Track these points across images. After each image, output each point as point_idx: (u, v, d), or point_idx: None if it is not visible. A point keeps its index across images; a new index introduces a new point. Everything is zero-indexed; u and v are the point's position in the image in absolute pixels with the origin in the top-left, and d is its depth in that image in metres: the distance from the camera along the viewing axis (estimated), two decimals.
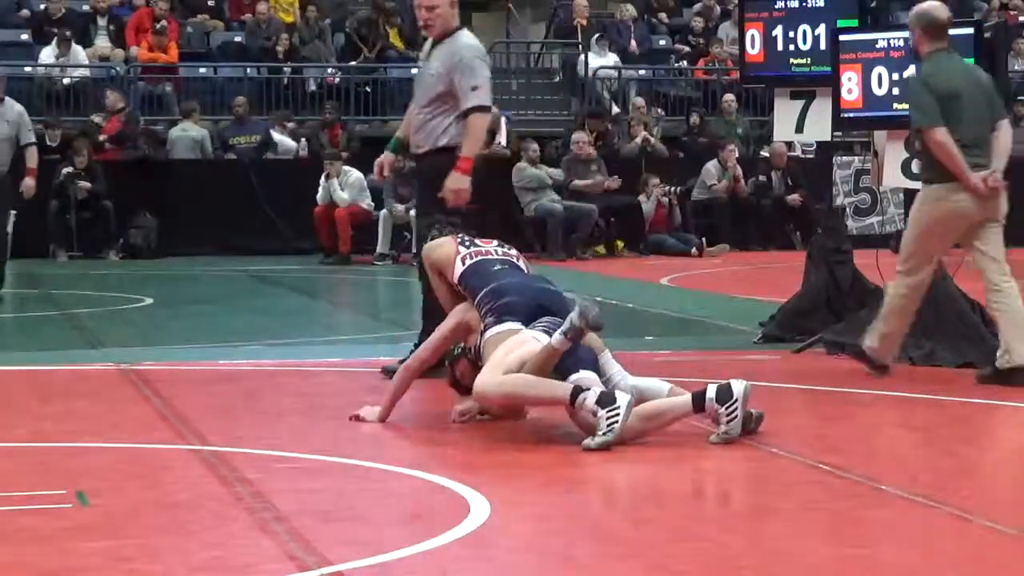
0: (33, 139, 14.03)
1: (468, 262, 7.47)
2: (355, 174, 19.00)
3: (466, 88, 8.71)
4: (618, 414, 6.56)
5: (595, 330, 6.88)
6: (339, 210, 18.74)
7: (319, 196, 18.92)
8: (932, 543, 5.25)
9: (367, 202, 19.19)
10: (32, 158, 13.87)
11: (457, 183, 8.62)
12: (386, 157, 9.24)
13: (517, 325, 7.01)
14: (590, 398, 6.64)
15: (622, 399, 6.61)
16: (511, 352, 6.87)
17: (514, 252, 7.67)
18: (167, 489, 6.01)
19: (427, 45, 9.11)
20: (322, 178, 18.96)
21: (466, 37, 8.94)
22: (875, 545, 5.11)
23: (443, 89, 8.76)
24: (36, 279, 15.82)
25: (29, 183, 13.80)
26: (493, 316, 7.11)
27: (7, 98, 13.82)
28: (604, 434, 6.55)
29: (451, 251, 7.56)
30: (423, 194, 9.06)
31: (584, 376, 6.83)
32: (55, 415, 7.74)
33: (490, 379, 6.82)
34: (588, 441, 6.59)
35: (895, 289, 8.86)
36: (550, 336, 6.85)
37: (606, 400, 6.62)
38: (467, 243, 7.60)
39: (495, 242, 7.71)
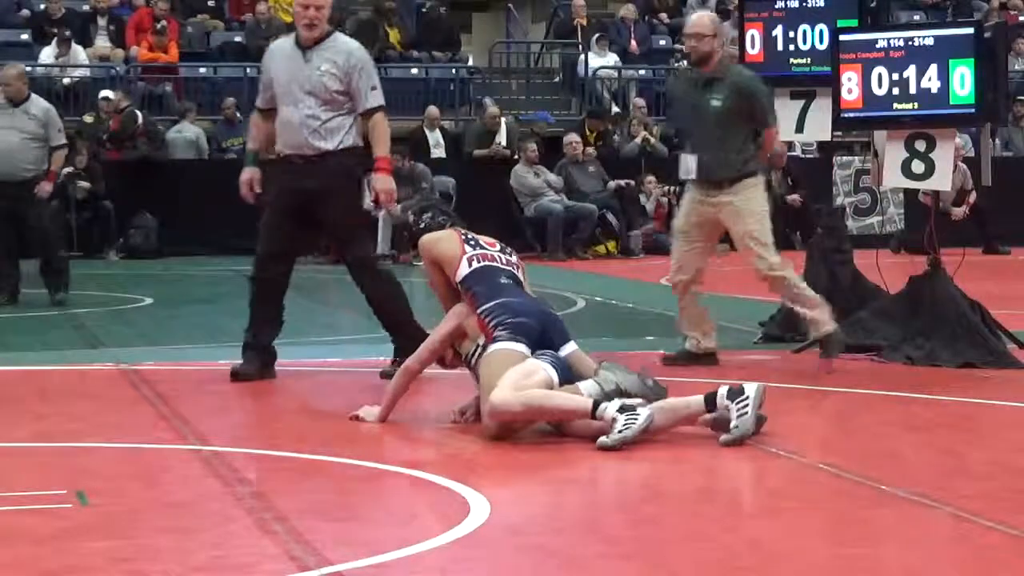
0: (62, 141, 13.51)
1: (475, 265, 7.37)
2: None
3: (365, 88, 8.83)
4: (636, 418, 6.60)
5: (658, 397, 6.98)
6: None
7: None
8: (932, 543, 5.25)
9: (366, 201, 19.16)
10: (55, 161, 13.39)
11: (387, 184, 8.80)
12: (253, 173, 9.10)
13: (526, 350, 6.99)
14: (612, 407, 6.66)
15: (643, 411, 6.67)
16: (529, 376, 6.84)
17: (515, 259, 7.60)
18: (167, 489, 6.01)
19: (285, 44, 9.00)
20: None
21: (347, 38, 9.11)
22: (875, 545, 5.11)
23: (341, 88, 8.80)
24: (36, 279, 15.81)
25: (45, 187, 13.27)
26: (506, 331, 7.06)
27: (33, 95, 13.51)
28: (621, 432, 6.56)
29: (456, 248, 7.43)
30: (337, 200, 8.91)
31: (585, 387, 6.89)
32: (55, 415, 7.74)
33: (509, 394, 6.78)
34: (604, 439, 6.59)
35: (791, 274, 9.32)
36: (554, 368, 6.89)
37: (627, 407, 6.66)
38: (472, 242, 7.50)
39: (498, 245, 7.61)
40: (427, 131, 20.77)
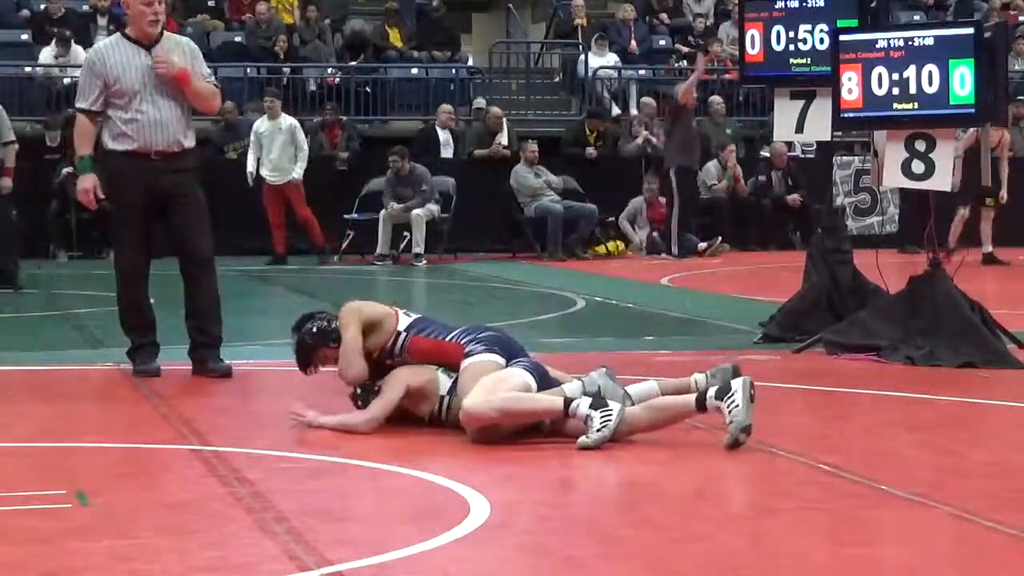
0: (10, 137, 14.06)
1: (412, 316, 7.45)
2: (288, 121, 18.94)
3: (205, 76, 9.03)
4: (611, 414, 6.64)
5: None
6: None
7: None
8: (932, 543, 5.25)
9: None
10: (8, 158, 13.86)
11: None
12: (94, 180, 9.11)
13: (502, 360, 7.07)
14: (583, 405, 6.70)
15: (614, 404, 6.70)
16: (503, 380, 6.89)
17: None
18: (167, 489, 6.02)
19: (118, 45, 8.89)
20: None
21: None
22: (875, 545, 5.11)
23: None
24: (36, 279, 15.82)
25: (5, 182, 13.56)
26: (480, 344, 7.14)
27: None
28: (599, 430, 6.59)
29: (383, 308, 7.46)
30: (193, 195, 9.03)
31: (570, 387, 6.96)
32: (55, 415, 7.74)
33: (480, 398, 6.81)
34: (583, 439, 6.62)
35: None
36: (530, 372, 6.94)
37: (599, 404, 6.70)
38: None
39: None
40: (438, 129, 20.77)
